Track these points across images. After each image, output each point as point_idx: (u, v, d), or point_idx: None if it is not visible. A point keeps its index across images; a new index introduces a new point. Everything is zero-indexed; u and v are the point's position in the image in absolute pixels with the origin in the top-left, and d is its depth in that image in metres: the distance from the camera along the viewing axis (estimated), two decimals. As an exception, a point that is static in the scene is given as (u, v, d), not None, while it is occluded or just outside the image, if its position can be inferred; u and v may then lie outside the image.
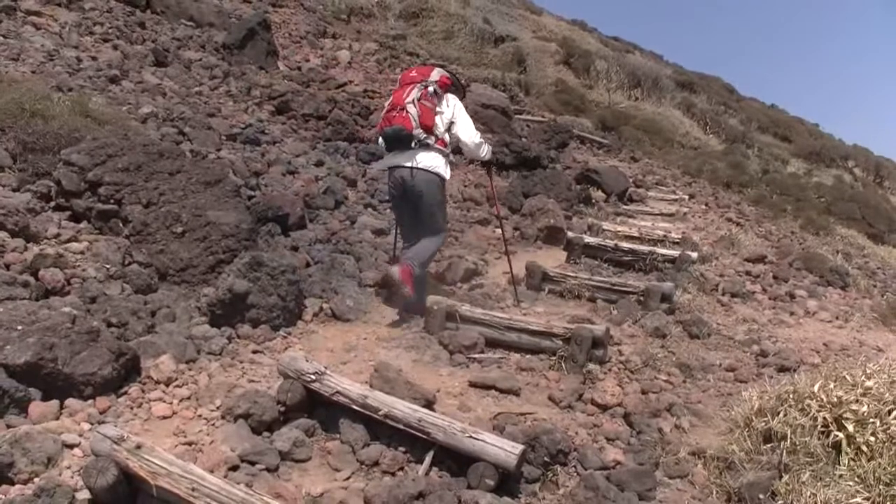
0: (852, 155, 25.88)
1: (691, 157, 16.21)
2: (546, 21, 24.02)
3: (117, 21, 9.46)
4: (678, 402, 3.91)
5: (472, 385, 3.90)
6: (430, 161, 4.70)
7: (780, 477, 2.97)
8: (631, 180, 11.35)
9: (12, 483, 2.68)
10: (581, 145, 13.58)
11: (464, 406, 3.65)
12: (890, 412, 3.12)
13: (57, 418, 3.10)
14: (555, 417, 3.63)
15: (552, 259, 6.66)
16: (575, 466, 3.19)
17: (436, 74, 4.88)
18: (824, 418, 3.19)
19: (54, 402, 3.16)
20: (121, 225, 4.84)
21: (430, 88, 4.76)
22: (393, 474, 3.03)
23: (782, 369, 4.63)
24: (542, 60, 18.59)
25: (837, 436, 3.10)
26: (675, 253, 6.71)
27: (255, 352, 4.05)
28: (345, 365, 4.03)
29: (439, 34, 16.15)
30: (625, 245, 6.90)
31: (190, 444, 3.08)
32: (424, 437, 3.08)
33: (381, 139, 4.90)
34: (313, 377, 3.31)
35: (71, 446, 2.91)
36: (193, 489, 2.48)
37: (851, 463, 3.00)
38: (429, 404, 3.41)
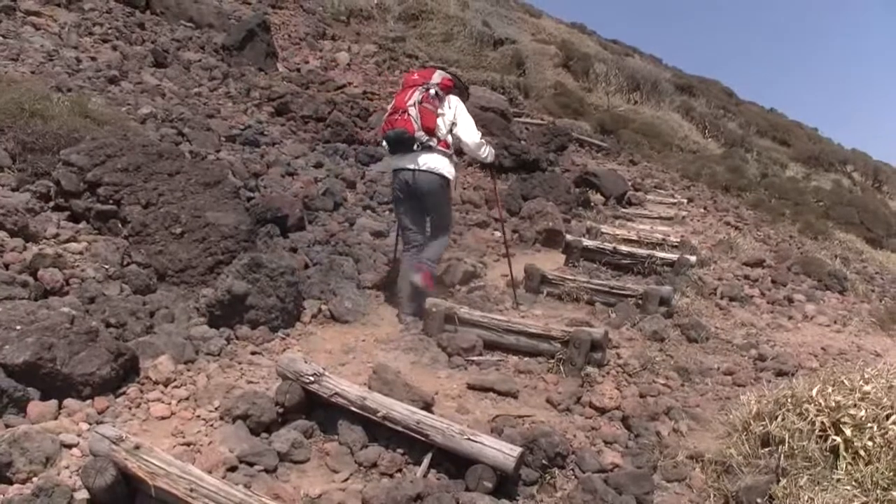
0: (851, 159, 25.92)
1: (690, 160, 16.23)
2: (545, 24, 24.05)
3: (117, 22, 9.46)
4: (676, 405, 3.92)
5: (471, 387, 3.91)
6: (433, 163, 4.75)
7: (778, 481, 2.97)
8: (630, 184, 11.35)
9: (10, 483, 2.68)
10: (580, 148, 13.59)
11: (462, 408, 3.65)
12: (888, 417, 3.13)
13: (55, 418, 3.10)
14: (553, 420, 3.63)
15: (551, 262, 6.67)
16: (573, 469, 3.20)
17: (437, 77, 4.93)
18: (822, 423, 3.19)
19: (53, 402, 3.16)
20: (120, 225, 4.84)
21: (432, 91, 4.81)
22: (391, 476, 3.04)
23: (780, 373, 4.64)
24: (542, 63, 18.60)
25: (835, 440, 3.11)
26: (673, 256, 6.73)
27: (253, 353, 4.05)
28: (343, 366, 4.04)
29: (438, 36, 16.15)
30: (623, 248, 6.92)
31: (188, 444, 3.08)
32: (423, 438, 3.08)
33: (384, 142, 4.97)
34: (312, 378, 3.31)
35: (69, 446, 2.91)
36: (192, 490, 2.49)
37: (849, 467, 3.01)
38: (427, 406, 3.41)
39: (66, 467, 2.79)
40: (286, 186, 6.68)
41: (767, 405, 3.49)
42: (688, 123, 20.92)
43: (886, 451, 2.99)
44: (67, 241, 4.60)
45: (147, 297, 4.34)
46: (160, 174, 5.06)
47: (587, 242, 6.93)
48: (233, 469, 2.91)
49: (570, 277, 5.88)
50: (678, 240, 7.87)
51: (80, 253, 4.52)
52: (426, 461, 3.07)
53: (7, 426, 2.93)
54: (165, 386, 3.53)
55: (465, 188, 8.68)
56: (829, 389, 3.38)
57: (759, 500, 2.90)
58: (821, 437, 3.16)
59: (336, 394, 3.28)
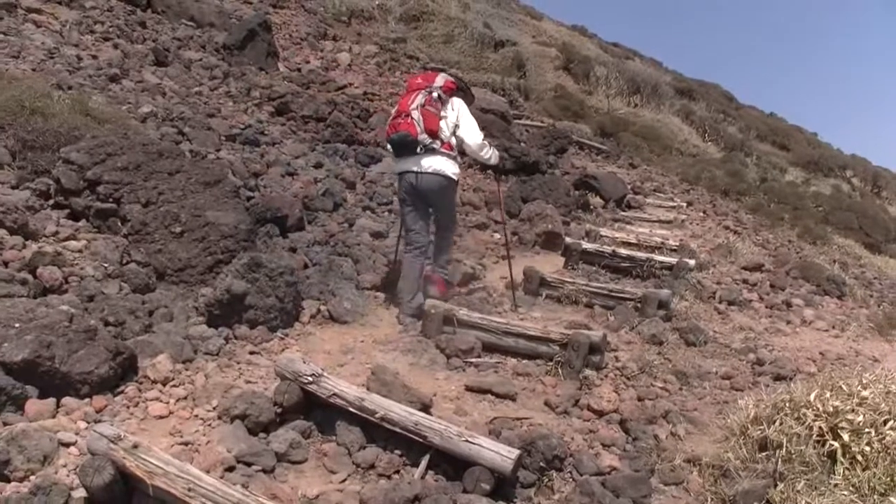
0: (850, 164, 25.96)
1: (689, 164, 16.26)
2: (546, 26, 24.08)
3: (118, 20, 9.46)
4: (674, 409, 3.92)
5: (469, 389, 3.91)
6: (437, 164, 4.82)
7: (776, 485, 2.97)
8: (629, 187, 11.37)
9: (8, 481, 2.68)
10: (580, 151, 13.61)
11: (460, 410, 3.65)
12: (885, 422, 3.13)
13: (53, 416, 3.10)
14: (551, 423, 3.63)
15: (550, 264, 6.67)
16: (571, 472, 3.20)
17: (440, 80, 5.00)
18: (820, 427, 3.20)
19: (51, 401, 3.16)
20: (119, 224, 4.84)
21: (435, 94, 4.88)
22: (389, 477, 3.04)
23: (778, 378, 4.64)
24: (542, 65, 18.64)
25: (833, 445, 3.11)
26: (672, 260, 6.73)
27: (252, 353, 4.05)
28: (342, 367, 4.04)
29: (439, 38, 16.17)
30: (622, 251, 6.92)
31: (186, 444, 3.08)
32: (421, 440, 3.08)
33: (388, 146, 5.08)
34: (310, 379, 3.31)
35: (67, 445, 2.91)
36: (190, 489, 2.49)
37: (846, 472, 3.01)
38: (425, 408, 3.41)
39: (64, 466, 2.79)
40: (286, 186, 6.68)
41: (765, 409, 3.49)
42: (687, 127, 20.96)
43: (884, 456, 2.99)
44: (67, 239, 4.60)
45: (146, 296, 4.33)
46: (160, 173, 5.05)
47: (586, 245, 6.94)
48: (230, 469, 2.91)
49: (569, 280, 5.88)
50: (677, 243, 7.88)
51: (80, 251, 4.52)
52: (424, 463, 3.07)
53: (5, 424, 2.93)
54: (164, 385, 3.52)
55: (464, 190, 8.68)
56: (828, 394, 3.39)
57: (756, 505, 2.90)
58: (818, 441, 3.17)
59: (334, 394, 3.27)
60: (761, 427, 3.34)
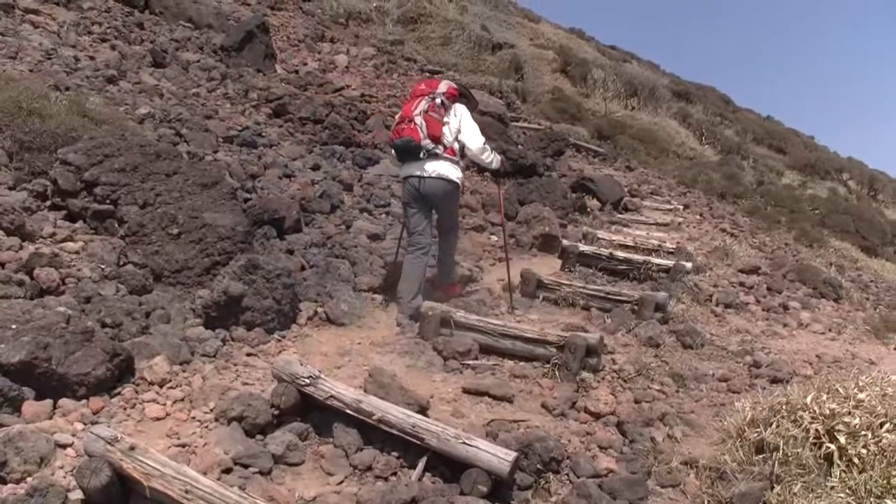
0: (847, 168, 26.06)
1: (686, 167, 16.29)
2: (544, 29, 24.13)
3: (116, 21, 9.47)
4: (671, 411, 3.92)
5: (466, 391, 3.91)
6: (441, 169, 4.90)
7: (772, 488, 2.98)
8: (626, 189, 11.39)
9: (5, 482, 2.67)
10: (577, 154, 13.63)
11: (457, 412, 3.65)
12: (882, 425, 3.13)
13: (50, 418, 3.09)
14: (548, 425, 3.63)
15: (547, 267, 6.67)
16: (567, 474, 3.20)
17: (443, 86, 5.11)
18: (816, 430, 3.20)
19: (48, 402, 3.15)
20: (116, 225, 4.84)
21: (438, 100, 4.97)
22: (386, 479, 3.04)
23: (775, 380, 4.65)
24: (540, 68, 18.67)
25: (829, 447, 3.11)
26: (669, 263, 6.74)
27: (249, 354, 4.04)
28: (339, 369, 4.03)
29: (437, 40, 16.19)
30: (619, 254, 6.92)
31: (183, 445, 3.07)
32: (418, 442, 3.08)
33: (392, 151, 5.21)
34: (307, 381, 3.31)
35: (64, 446, 2.90)
36: (187, 491, 2.48)
37: (843, 475, 3.01)
38: (422, 410, 3.41)
39: (61, 467, 2.78)
40: (283, 188, 6.68)
41: (762, 412, 3.50)
42: (685, 130, 21.01)
43: (880, 459, 2.99)
44: (64, 240, 4.59)
45: (143, 298, 4.33)
46: (157, 174, 5.05)
47: (583, 248, 6.95)
48: (227, 471, 2.91)
49: (566, 282, 5.89)
50: (674, 246, 7.89)
51: (77, 252, 4.52)
52: (421, 465, 3.06)
53: (2, 425, 2.92)
54: (161, 387, 3.52)
55: (462, 192, 8.68)
56: (824, 397, 3.39)
57: (752, 507, 2.91)
58: (815, 444, 3.17)
59: (331, 396, 3.27)
60: (758, 429, 3.35)
